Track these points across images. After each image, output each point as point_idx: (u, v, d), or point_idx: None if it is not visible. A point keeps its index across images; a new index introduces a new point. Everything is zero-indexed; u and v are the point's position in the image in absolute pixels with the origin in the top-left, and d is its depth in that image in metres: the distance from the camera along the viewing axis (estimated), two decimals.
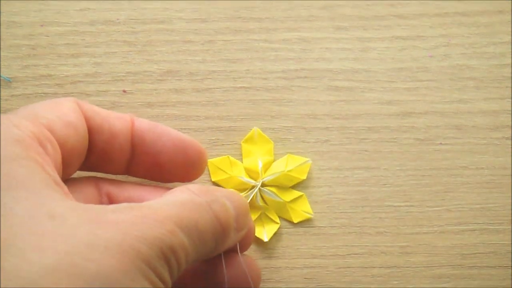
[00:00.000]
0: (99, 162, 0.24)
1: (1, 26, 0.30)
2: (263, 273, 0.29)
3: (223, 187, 0.29)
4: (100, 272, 0.16)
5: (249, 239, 0.25)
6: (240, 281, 0.24)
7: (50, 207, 0.17)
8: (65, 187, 0.19)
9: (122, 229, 0.17)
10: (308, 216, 0.29)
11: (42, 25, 0.30)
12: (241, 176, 0.29)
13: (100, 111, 0.23)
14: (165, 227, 0.18)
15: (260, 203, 0.29)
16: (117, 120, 0.24)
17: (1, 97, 0.30)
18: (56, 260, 0.15)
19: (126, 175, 0.26)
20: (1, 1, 0.31)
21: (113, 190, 0.24)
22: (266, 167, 0.29)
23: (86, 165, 0.24)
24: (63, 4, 0.31)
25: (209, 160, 0.29)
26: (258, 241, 0.29)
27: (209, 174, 0.29)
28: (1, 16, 0.30)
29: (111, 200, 0.24)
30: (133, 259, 0.17)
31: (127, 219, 0.17)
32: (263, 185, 0.29)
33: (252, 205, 0.29)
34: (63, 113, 0.21)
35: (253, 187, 0.29)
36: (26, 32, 0.30)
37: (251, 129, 0.30)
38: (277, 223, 0.29)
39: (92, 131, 0.23)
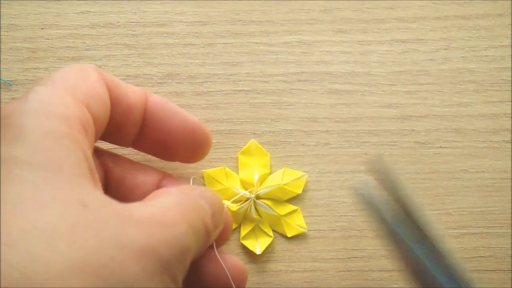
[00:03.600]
0: (110, 133, 0.23)
1: (1, 29, 0.30)
2: (263, 276, 0.29)
3: None
4: (124, 278, 0.16)
5: (226, 234, 0.25)
6: (219, 278, 0.24)
7: (82, 195, 0.17)
8: (96, 174, 0.19)
9: (147, 229, 0.17)
10: (302, 230, 0.29)
11: (42, 28, 0.30)
12: (236, 187, 0.29)
13: (119, 83, 0.23)
14: (181, 229, 0.18)
15: (254, 215, 0.29)
16: (133, 93, 0.23)
17: (2, 100, 0.30)
18: (84, 256, 0.15)
19: (130, 148, 0.26)
20: (1, 4, 0.31)
21: (110, 163, 0.24)
22: (262, 179, 0.29)
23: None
24: (63, 7, 0.31)
25: (204, 170, 0.29)
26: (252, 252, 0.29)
27: (204, 184, 0.29)
28: (1, 19, 0.30)
29: (106, 173, 0.24)
30: (156, 265, 0.17)
31: (151, 218, 0.18)
32: (258, 197, 0.29)
33: (246, 218, 0.29)
34: (93, 86, 0.21)
35: (247, 199, 0.29)
36: (26, 35, 0.30)
37: (251, 133, 0.30)
38: (271, 236, 0.29)
39: (111, 102, 0.22)
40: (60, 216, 0.16)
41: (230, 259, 0.24)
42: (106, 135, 0.23)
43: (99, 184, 0.19)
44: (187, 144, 0.25)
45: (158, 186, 0.25)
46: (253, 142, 0.29)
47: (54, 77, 0.20)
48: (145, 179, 0.24)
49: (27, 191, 0.16)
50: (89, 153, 0.19)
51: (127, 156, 0.26)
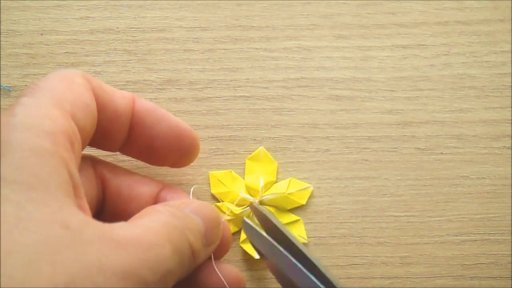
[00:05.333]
0: (96, 139, 0.23)
1: (1, 35, 0.30)
2: (262, 283, 0.29)
3: (221, 199, 0.29)
4: None
5: (224, 248, 0.25)
6: None
7: (65, 215, 0.17)
8: (81, 190, 0.19)
9: (129, 251, 0.17)
10: (302, 240, 0.29)
11: (41, 34, 0.30)
12: (240, 191, 0.29)
13: (106, 88, 0.22)
14: (164, 251, 0.18)
15: (256, 220, 0.29)
16: (121, 98, 0.23)
17: (1, 106, 0.30)
18: (66, 280, 0.15)
19: (117, 153, 0.26)
20: (1, 10, 0.30)
21: (107, 174, 0.24)
22: (267, 187, 0.29)
23: None
24: (63, 13, 0.31)
25: (211, 172, 0.29)
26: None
27: (209, 185, 0.29)
28: (1, 25, 0.30)
29: (103, 184, 0.24)
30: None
31: (134, 240, 0.17)
32: (261, 203, 0.29)
33: None
34: (80, 94, 0.20)
35: (251, 203, 0.29)
36: (26, 41, 0.30)
37: (251, 139, 0.30)
38: None
39: (98, 109, 0.22)
40: (42, 238, 0.16)
41: (227, 268, 0.24)
42: (92, 141, 0.23)
43: (85, 201, 0.19)
44: (175, 149, 0.25)
45: (156, 198, 0.25)
46: (262, 149, 0.29)
47: (40, 86, 0.20)
48: (142, 190, 0.24)
49: (10, 211, 0.16)
50: (74, 169, 0.18)
51: (126, 166, 0.26)
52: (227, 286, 0.23)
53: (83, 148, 0.21)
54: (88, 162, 0.24)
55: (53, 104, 0.19)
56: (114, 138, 0.23)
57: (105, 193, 0.24)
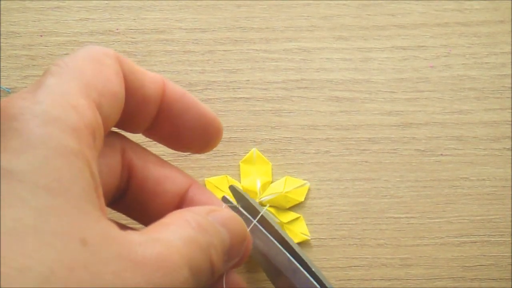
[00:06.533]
0: (119, 123, 0.21)
1: (1, 36, 0.30)
2: (263, 286, 0.28)
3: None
4: None
5: (242, 260, 0.24)
6: None
7: (84, 228, 0.16)
8: (100, 190, 0.17)
9: (146, 274, 0.16)
10: (306, 238, 0.29)
11: (41, 35, 0.30)
12: None
13: (137, 72, 0.21)
14: (182, 273, 0.17)
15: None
16: (151, 83, 0.21)
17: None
18: None
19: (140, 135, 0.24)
20: (1, 11, 0.30)
21: (136, 162, 0.23)
22: (264, 188, 0.29)
23: None
24: (62, 14, 0.31)
25: (207, 179, 0.29)
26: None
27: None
28: (1, 26, 0.30)
29: (130, 173, 0.23)
30: None
31: (153, 260, 0.17)
32: (261, 204, 0.29)
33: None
34: (109, 81, 0.19)
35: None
36: (26, 42, 0.30)
37: (251, 140, 0.30)
38: None
39: (126, 93, 0.20)
40: (58, 256, 0.15)
41: (233, 278, 0.23)
42: (117, 124, 0.21)
43: (102, 201, 0.18)
44: (199, 137, 0.23)
45: (182, 197, 0.23)
46: (254, 150, 0.29)
47: (68, 65, 0.18)
48: (169, 187, 0.23)
49: (28, 218, 0.15)
50: (95, 168, 0.17)
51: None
52: None
53: (103, 138, 0.19)
54: (117, 146, 0.22)
55: (80, 92, 0.17)
56: (138, 123, 0.22)
57: (130, 183, 0.23)
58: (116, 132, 0.23)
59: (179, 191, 0.23)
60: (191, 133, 0.23)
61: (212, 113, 0.24)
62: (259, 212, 0.25)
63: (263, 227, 0.26)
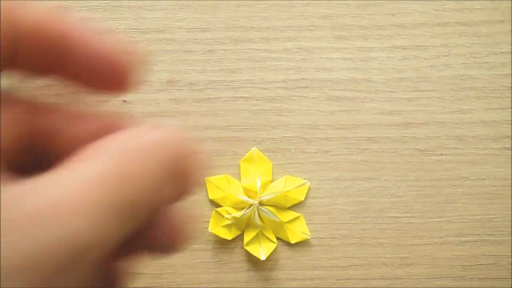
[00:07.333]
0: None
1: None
2: (263, 284, 0.29)
3: (221, 205, 0.29)
4: None
5: (189, 189, 0.16)
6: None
7: None
8: None
9: (33, 230, 0.12)
10: (306, 237, 0.29)
11: None
12: (239, 194, 0.29)
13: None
14: (90, 218, 0.12)
15: (258, 221, 0.29)
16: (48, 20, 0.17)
17: None
18: None
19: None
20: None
21: (39, 119, 0.15)
22: (264, 187, 0.29)
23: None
24: None
25: (207, 178, 0.29)
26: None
27: (207, 191, 0.29)
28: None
29: (34, 132, 0.16)
30: (35, 282, 0.13)
31: (43, 210, 0.12)
32: (261, 203, 0.29)
33: (250, 224, 0.29)
34: None
35: (251, 205, 0.29)
36: None
37: (251, 140, 0.30)
38: (274, 242, 0.29)
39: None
40: None
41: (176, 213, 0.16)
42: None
43: None
44: (106, 74, 0.16)
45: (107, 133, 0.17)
46: (254, 150, 0.29)
47: None
48: (85, 127, 0.16)
49: None
50: None
51: None
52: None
53: None
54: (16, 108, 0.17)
55: None
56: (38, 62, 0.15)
57: (42, 143, 0.16)
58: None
59: (100, 127, 0.16)
60: (94, 70, 0.16)
61: (113, 45, 0.17)
62: None
63: None
